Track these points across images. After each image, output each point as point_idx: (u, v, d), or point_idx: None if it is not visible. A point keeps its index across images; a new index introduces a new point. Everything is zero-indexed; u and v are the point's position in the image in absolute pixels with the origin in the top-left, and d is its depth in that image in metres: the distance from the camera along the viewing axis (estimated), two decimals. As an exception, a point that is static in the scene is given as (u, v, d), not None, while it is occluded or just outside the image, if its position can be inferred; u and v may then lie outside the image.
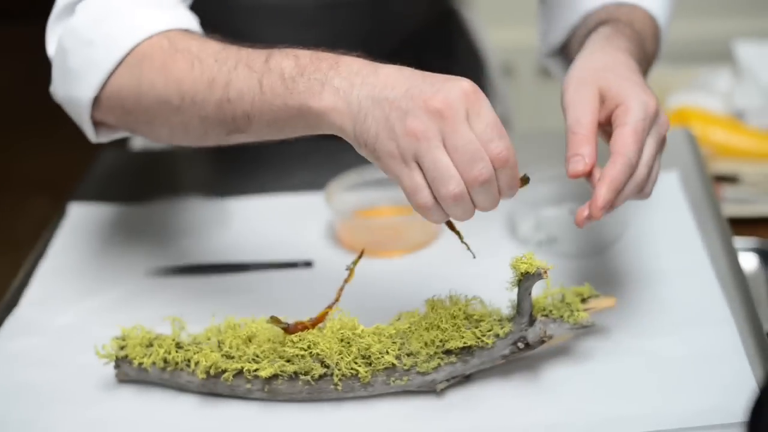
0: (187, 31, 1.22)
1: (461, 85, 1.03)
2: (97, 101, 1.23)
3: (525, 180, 1.10)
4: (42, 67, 1.35)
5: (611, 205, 1.11)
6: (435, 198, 1.04)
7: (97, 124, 1.27)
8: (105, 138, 1.29)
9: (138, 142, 1.91)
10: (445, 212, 1.06)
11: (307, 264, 1.41)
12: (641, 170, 1.13)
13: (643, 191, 1.15)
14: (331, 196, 1.47)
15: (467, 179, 1.03)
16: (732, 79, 2.22)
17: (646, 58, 1.32)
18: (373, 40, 1.66)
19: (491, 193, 1.05)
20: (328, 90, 1.06)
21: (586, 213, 1.11)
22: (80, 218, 1.55)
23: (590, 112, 1.14)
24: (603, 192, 1.09)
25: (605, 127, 1.16)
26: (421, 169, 1.03)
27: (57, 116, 1.40)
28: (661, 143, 1.17)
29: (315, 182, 1.57)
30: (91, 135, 1.27)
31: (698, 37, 2.87)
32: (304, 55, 1.09)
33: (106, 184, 1.66)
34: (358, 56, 1.09)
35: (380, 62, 1.08)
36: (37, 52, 1.43)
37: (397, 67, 1.06)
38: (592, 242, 1.38)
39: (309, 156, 1.68)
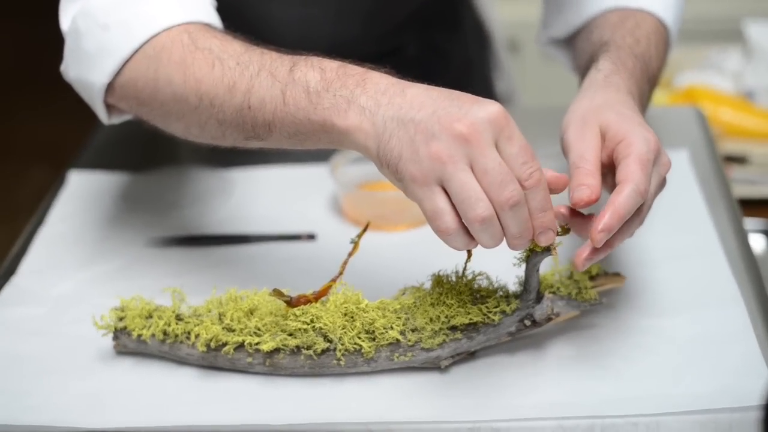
0: (207, 25, 1.19)
1: (490, 109, 1.00)
2: (110, 88, 1.21)
3: (566, 230, 1.08)
4: (44, 34, 1.33)
5: (607, 244, 1.07)
6: (458, 223, 1.01)
7: (109, 107, 1.25)
8: (117, 120, 1.27)
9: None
10: (467, 238, 1.02)
11: (311, 237, 1.39)
12: (645, 206, 1.10)
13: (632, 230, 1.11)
14: (336, 169, 1.45)
15: (497, 202, 1.00)
16: (742, 58, 2.20)
17: (649, 83, 1.28)
18: (379, 14, 1.64)
19: (522, 216, 1.01)
20: (354, 109, 1.04)
21: (585, 254, 1.07)
22: (80, 186, 1.53)
23: (593, 148, 1.11)
24: (606, 216, 1.05)
25: (606, 169, 1.12)
26: (445, 193, 1.00)
27: (57, 84, 1.38)
28: (662, 184, 1.14)
29: (319, 154, 1.55)
30: (104, 117, 1.25)
31: (709, 16, 2.84)
32: (331, 69, 1.07)
33: (107, 153, 1.64)
34: (385, 71, 1.07)
35: (404, 79, 1.07)
36: (39, 18, 1.41)
37: (426, 87, 1.04)
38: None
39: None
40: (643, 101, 1.25)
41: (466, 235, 1.02)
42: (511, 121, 1.01)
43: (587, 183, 1.08)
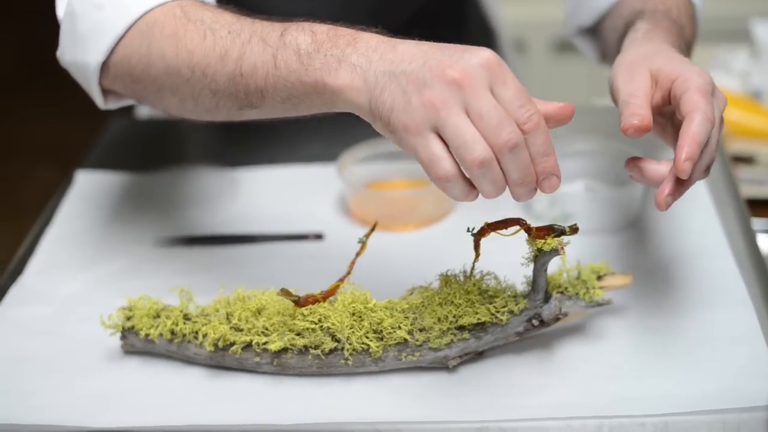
0: (200, 0, 1.19)
1: (482, 54, 0.98)
2: (105, 67, 1.20)
3: (574, 229, 1.08)
4: (50, 32, 1.33)
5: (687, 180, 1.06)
6: (456, 168, 0.99)
7: (105, 92, 1.24)
8: (113, 105, 1.27)
9: (144, 111, 1.89)
10: (467, 186, 1.00)
11: (318, 236, 1.39)
12: (713, 139, 1.07)
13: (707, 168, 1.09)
14: (344, 168, 1.44)
15: (495, 145, 0.97)
16: (749, 58, 2.19)
17: (686, 46, 1.28)
18: (385, 12, 1.64)
19: (523, 160, 0.98)
20: (345, 67, 1.03)
21: (667, 190, 1.06)
22: (87, 186, 1.53)
23: (643, 89, 1.10)
24: (685, 145, 1.03)
25: (661, 111, 1.12)
26: (441, 140, 0.98)
27: (64, 82, 1.38)
28: (721, 122, 1.12)
29: (326, 154, 1.55)
30: (100, 101, 1.25)
31: (716, 16, 2.83)
32: (321, 31, 1.06)
33: (114, 153, 1.64)
34: (377, 32, 1.06)
35: (397, 37, 1.04)
36: (45, 16, 1.41)
37: (416, 42, 1.03)
38: (608, 219, 1.36)
39: (320, 127, 1.65)
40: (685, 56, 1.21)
41: (466, 182, 1.00)
42: (504, 66, 0.99)
43: (638, 113, 1.07)
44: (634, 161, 1.10)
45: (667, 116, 1.13)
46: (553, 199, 1.36)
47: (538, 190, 1.01)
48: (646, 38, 1.20)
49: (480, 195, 1.01)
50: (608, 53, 1.40)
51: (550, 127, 1.02)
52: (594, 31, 1.50)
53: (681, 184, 1.06)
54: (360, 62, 1.02)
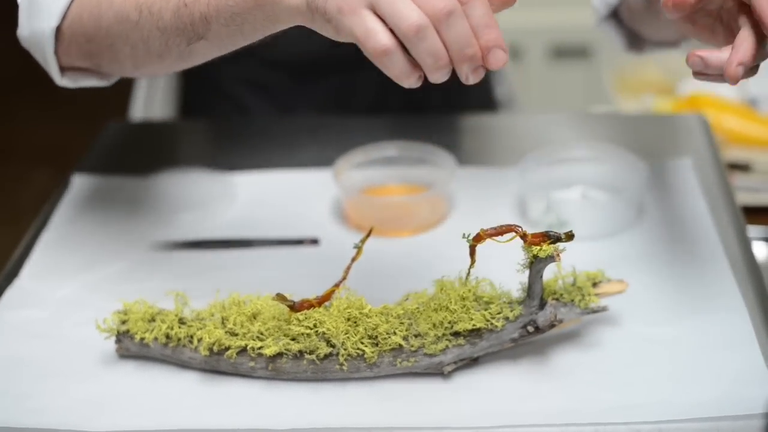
0: None
1: None
2: (60, 34, 1.23)
3: (569, 236, 1.08)
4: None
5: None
6: (394, 40, 0.96)
7: (63, 69, 1.27)
8: (70, 82, 1.29)
9: (138, 113, 1.89)
10: (408, 63, 0.97)
11: (314, 241, 1.39)
12: None
13: None
14: (339, 174, 1.44)
15: (431, 14, 0.95)
16: (746, 66, 2.19)
17: None
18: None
19: (462, 28, 0.95)
20: None
21: (738, 58, 1.02)
22: (83, 190, 1.53)
23: None
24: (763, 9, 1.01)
25: (707, 9, 1.10)
26: (378, 16, 0.96)
27: (61, 87, 1.39)
28: None
29: (322, 159, 1.55)
30: (56, 74, 1.27)
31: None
32: None
33: (111, 157, 1.64)
34: None
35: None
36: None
37: None
38: (603, 226, 1.36)
39: (317, 132, 1.66)
40: None
41: (406, 57, 0.97)
42: None
43: None
44: (694, 54, 1.06)
45: (715, 15, 1.11)
46: (548, 205, 1.36)
47: (487, 67, 0.99)
48: None
49: (425, 76, 0.99)
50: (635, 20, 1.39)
51: (495, 9, 0.99)
52: (618, 16, 1.49)
53: (758, 52, 1.04)
54: None
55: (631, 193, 1.36)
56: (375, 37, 0.96)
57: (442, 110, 1.82)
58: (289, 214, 1.46)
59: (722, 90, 2.11)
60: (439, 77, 0.98)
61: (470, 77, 0.99)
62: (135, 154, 1.59)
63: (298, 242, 1.39)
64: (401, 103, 1.81)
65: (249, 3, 1.06)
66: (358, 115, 1.76)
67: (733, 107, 2.02)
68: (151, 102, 1.92)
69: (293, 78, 1.76)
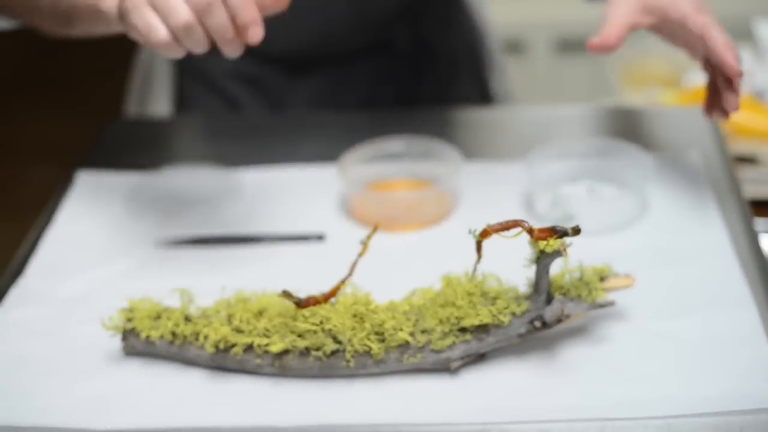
0: None
1: None
2: None
3: (576, 231, 1.07)
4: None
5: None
6: (170, 35, 1.16)
7: None
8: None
9: (133, 108, 1.89)
10: (181, 46, 1.17)
11: (319, 237, 1.39)
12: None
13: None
14: (345, 169, 1.44)
15: (195, 5, 1.13)
16: (752, 58, 2.18)
17: None
18: (367, 7, 1.65)
19: (220, 15, 1.14)
20: None
21: (727, 103, 1.26)
22: (88, 187, 1.53)
23: (626, 14, 1.29)
24: (724, 56, 1.23)
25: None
26: (157, 13, 1.15)
27: (64, 82, 1.40)
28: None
29: (327, 154, 1.54)
30: None
31: (718, 15, 2.82)
32: None
33: (114, 153, 1.63)
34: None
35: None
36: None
37: None
38: (610, 220, 1.35)
39: (322, 128, 1.65)
40: None
41: (179, 45, 1.17)
42: None
43: (606, 33, 1.28)
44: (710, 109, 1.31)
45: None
46: (555, 200, 1.36)
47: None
48: None
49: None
50: None
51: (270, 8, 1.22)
52: None
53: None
54: None
55: (638, 187, 1.35)
56: (154, 31, 1.16)
57: (435, 104, 1.82)
58: (295, 210, 1.45)
59: (728, 82, 2.10)
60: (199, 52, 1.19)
61: (232, 53, 1.19)
62: (139, 150, 1.59)
63: (304, 238, 1.39)
64: (393, 97, 1.81)
65: (91, 11, 1.28)
66: (358, 111, 1.75)
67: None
68: (147, 98, 1.91)
69: (286, 72, 1.76)
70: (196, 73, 1.76)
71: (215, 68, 1.77)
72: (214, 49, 1.19)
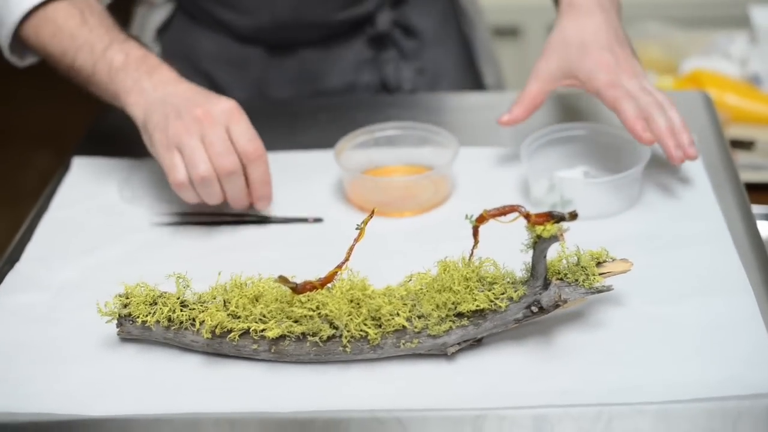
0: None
1: (224, 103, 1.34)
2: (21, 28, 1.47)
3: (573, 216, 1.07)
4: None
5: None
6: (188, 179, 1.31)
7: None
8: (17, 60, 1.54)
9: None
10: (196, 193, 1.33)
11: (318, 220, 1.39)
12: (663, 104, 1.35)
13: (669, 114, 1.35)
14: (340, 154, 1.43)
15: (216, 167, 1.30)
16: (748, 44, 2.18)
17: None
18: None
19: (238, 184, 1.33)
20: (136, 89, 1.37)
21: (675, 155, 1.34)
22: (84, 172, 1.52)
23: (539, 89, 1.42)
24: (637, 128, 1.33)
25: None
26: (182, 157, 1.31)
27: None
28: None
29: (323, 140, 1.54)
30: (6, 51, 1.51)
31: (715, 2, 2.82)
32: (135, 55, 1.40)
33: (111, 139, 1.63)
34: (174, 69, 1.40)
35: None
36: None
37: (194, 87, 1.37)
38: (606, 205, 1.35)
39: (318, 114, 1.65)
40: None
41: (195, 192, 1.33)
42: (241, 113, 1.34)
43: (513, 110, 1.42)
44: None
45: None
46: (551, 185, 1.36)
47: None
48: (573, 9, 1.42)
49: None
50: None
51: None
52: None
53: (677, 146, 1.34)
54: (147, 87, 1.36)
55: (634, 171, 1.35)
56: (175, 172, 1.32)
57: (422, 90, 1.82)
58: (291, 195, 1.45)
59: (725, 68, 2.11)
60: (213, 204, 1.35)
61: (236, 207, 1.37)
62: (136, 136, 1.57)
63: (303, 220, 1.39)
64: (378, 82, 1.80)
65: (111, 93, 1.40)
66: (347, 96, 1.75)
67: (735, 85, 2.02)
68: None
69: (268, 53, 1.76)
70: (181, 57, 1.76)
71: (198, 51, 1.77)
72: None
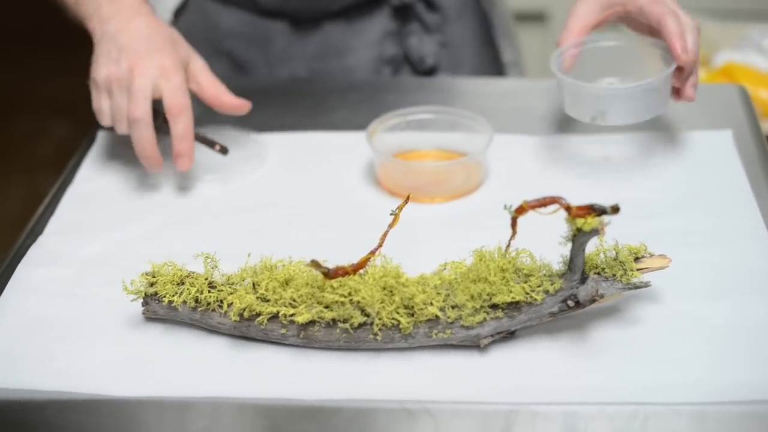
0: None
1: (162, 59, 1.37)
2: None
3: (615, 209, 1.04)
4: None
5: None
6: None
7: None
8: None
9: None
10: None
11: (223, 150, 1.43)
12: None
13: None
14: (373, 136, 1.41)
15: (128, 115, 1.34)
16: (782, 37, 2.16)
17: None
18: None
19: (145, 135, 1.35)
20: (96, 16, 1.41)
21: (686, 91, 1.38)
22: (108, 146, 1.50)
23: (584, 17, 1.42)
24: (676, 42, 1.33)
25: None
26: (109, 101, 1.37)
27: (78, 37, 1.41)
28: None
29: (351, 122, 1.52)
30: None
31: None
32: None
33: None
34: (146, 10, 1.43)
35: None
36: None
37: (149, 22, 1.41)
38: (639, 111, 1.36)
39: (347, 94, 1.62)
40: None
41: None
42: (177, 72, 1.37)
43: (560, 41, 1.43)
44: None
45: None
46: (588, 97, 1.37)
47: None
48: None
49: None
50: None
51: (228, 111, 1.43)
52: None
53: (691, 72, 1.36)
54: (105, 16, 1.40)
55: (662, 77, 1.35)
56: (100, 116, 1.39)
57: (442, 67, 1.80)
58: (321, 177, 1.43)
59: (758, 61, 2.08)
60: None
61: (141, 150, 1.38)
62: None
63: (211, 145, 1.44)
64: (401, 58, 1.78)
65: (82, 20, 1.45)
66: (373, 76, 1.73)
67: (768, 79, 1.99)
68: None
69: (290, 28, 1.74)
70: (201, 38, 1.73)
71: (219, 30, 1.74)
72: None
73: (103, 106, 1.37)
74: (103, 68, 1.36)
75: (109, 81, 1.35)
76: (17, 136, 3.47)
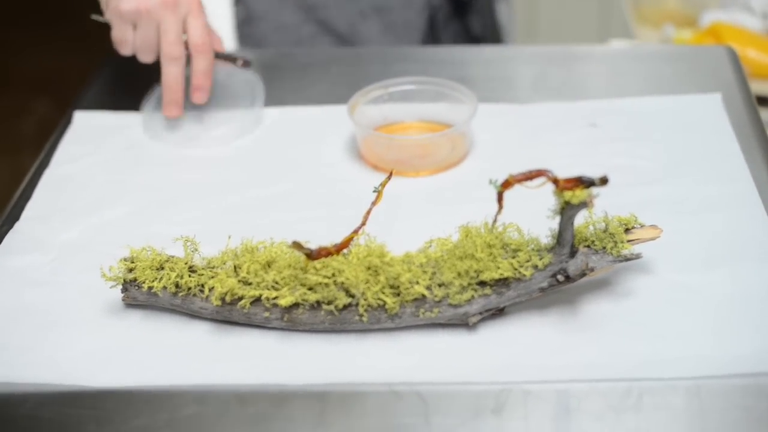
0: None
1: None
2: None
3: (604, 181, 1.01)
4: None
5: None
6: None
7: None
8: None
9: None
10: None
11: (246, 63, 1.47)
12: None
13: None
14: (354, 110, 1.38)
15: (164, 52, 1.39)
16: (770, -4, 2.12)
17: None
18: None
19: (176, 72, 1.40)
20: None
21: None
22: (86, 127, 1.47)
23: None
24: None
25: None
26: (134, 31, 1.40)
27: (63, 17, 1.36)
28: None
29: (335, 95, 1.49)
30: None
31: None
32: None
33: (114, 92, 1.58)
34: None
35: None
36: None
37: None
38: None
39: (330, 66, 1.59)
40: None
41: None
42: (202, 9, 1.41)
43: None
44: None
45: None
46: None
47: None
48: None
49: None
50: None
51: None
52: None
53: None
54: None
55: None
56: (122, 47, 1.42)
57: (447, 34, 1.78)
58: (300, 153, 1.40)
59: (745, 21, 2.05)
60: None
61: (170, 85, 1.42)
62: (140, 89, 1.52)
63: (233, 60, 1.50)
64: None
65: None
66: (373, 49, 1.71)
67: (757, 39, 1.96)
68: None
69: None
70: None
71: None
72: None
73: (127, 36, 1.40)
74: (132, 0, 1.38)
75: (138, 12, 1.38)
76: (0, 116, 3.45)
